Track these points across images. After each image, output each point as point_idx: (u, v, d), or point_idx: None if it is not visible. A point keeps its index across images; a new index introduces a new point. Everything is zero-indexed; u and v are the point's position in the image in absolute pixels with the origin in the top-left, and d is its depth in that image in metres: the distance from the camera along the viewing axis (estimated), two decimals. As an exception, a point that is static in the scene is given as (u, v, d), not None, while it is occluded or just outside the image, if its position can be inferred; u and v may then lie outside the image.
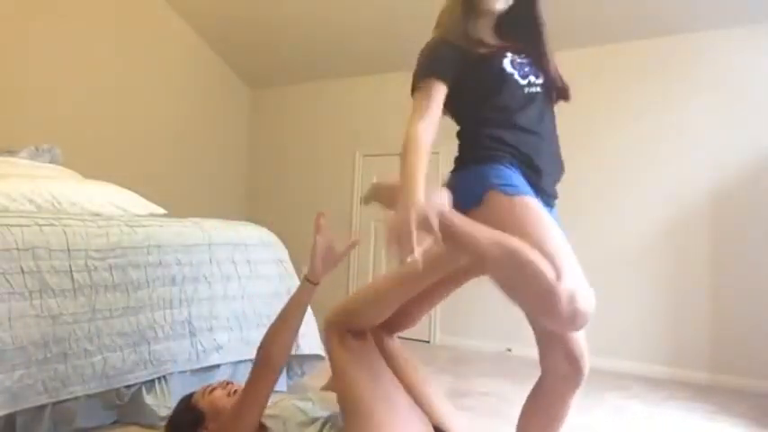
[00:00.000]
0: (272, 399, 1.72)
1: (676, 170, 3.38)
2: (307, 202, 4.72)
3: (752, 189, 3.18)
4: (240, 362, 2.36)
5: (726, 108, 3.28)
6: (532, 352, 3.97)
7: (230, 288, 2.39)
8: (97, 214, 2.30)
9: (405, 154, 1.39)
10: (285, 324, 1.68)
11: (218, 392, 1.74)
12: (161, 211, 2.75)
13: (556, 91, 1.59)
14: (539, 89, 1.52)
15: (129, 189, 2.72)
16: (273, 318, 2.52)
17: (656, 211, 3.42)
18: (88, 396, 1.92)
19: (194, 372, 2.24)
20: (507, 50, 1.51)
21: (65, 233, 1.92)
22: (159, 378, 2.12)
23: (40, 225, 1.88)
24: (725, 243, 3.23)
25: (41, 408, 1.80)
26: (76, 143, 3.65)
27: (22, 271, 1.78)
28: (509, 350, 3.73)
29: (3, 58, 3.46)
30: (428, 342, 3.85)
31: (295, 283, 2.71)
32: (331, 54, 4.45)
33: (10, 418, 1.73)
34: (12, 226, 1.81)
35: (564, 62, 3.82)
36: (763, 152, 3.17)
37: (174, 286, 2.21)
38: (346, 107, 4.71)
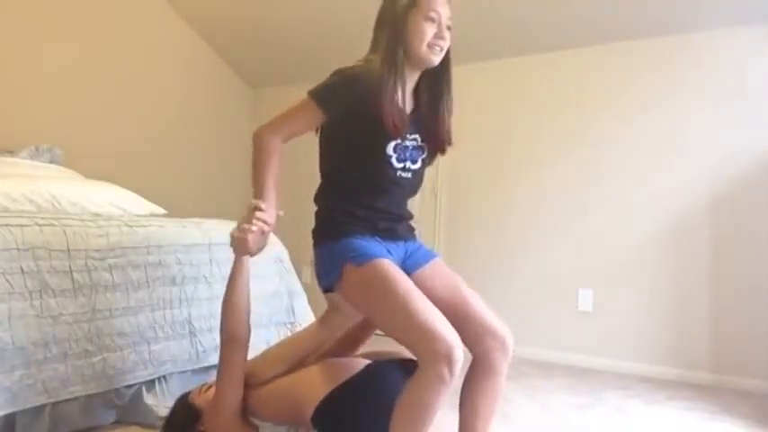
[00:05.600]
0: None
1: (676, 170, 3.38)
2: (307, 201, 4.70)
3: (753, 189, 3.18)
4: (240, 362, 2.36)
5: (726, 108, 3.27)
6: (532, 352, 3.97)
7: (230, 288, 2.39)
8: (97, 214, 2.29)
9: (256, 160, 1.62)
10: (238, 298, 1.66)
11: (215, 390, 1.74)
12: (161, 211, 2.75)
13: (438, 150, 1.68)
14: (410, 175, 1.59)
15: (129, 189, 2.72)
16: (273, 318, 2.53)
17: (657, 211, 3.42)
18: (88, 396, 1.91)
19: (194, 372, 2.24)
20: (399, 134, 1.53)
21: (65, 233, 1.92)
22: (159, 378, 2.12)
23: (40, 225, 1.88)
24: (726, 243, 3.23)
25: (41, 408, 1.80)
26: (77, 143, 3.65)
27: (22, 271, 1.78)
28: (509, 350, 3.74)
29: (2, 58, 3.46)
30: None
31: (295, 282, 2.71)
32: (332, 53, 4.43)
33: (10, 418, 1.73)
34: (12, 226, 1.81)
35: (564, 61, 3.85)
36: (763, 152, 3.17)
37: (174, 286, 2.21)
38: (346, 107, 4.71)
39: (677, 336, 3.31)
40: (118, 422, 2.05)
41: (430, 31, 1.51)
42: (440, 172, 4.17)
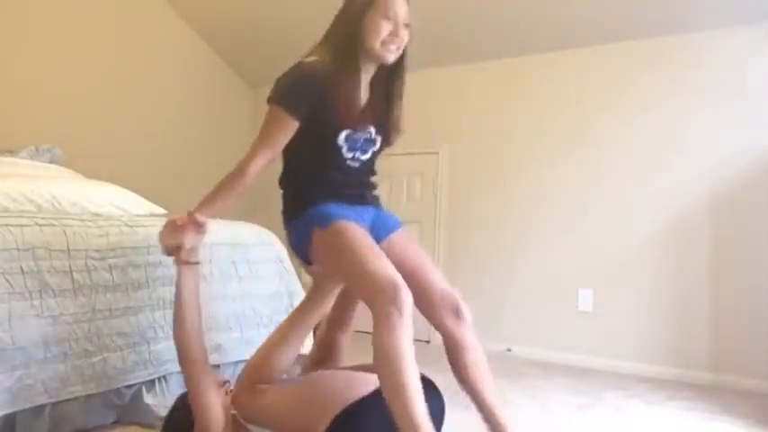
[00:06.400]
0: None
1: (677, 170, 3.38)
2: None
3: (753, 189, 3.18)
4: (240, 362, 2.36)
5: (726, 108, 3.27)
6: (532, 352, 3.97)
7: (230, 288, 2.39)
8: (97, 214, 2.29)
9: (229, 182, 1.64)
10: (189, 321, 1.70)
11: None
12: (161, 211, 2.74)
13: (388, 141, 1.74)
14: (357, 165, 1.66)
15: (130, 189, 2.71)
16: (274, 318, 2.53)
17: (657, 211, 3.42)
18: (88, 396, 1.91)
19: (194, 372, 2.24)
20: (352, 125, 1.60)
21: (65, 233, 1.92)
22: (159, 378, 2.12)
23: (40, 225, 1.88)
24: (726, 243, 3.23)
25: (41, 408, 1.80)
26: (77, 143, 3.65)
27: (22, 271, 1.78)
28: (509, 350, 3.73)
29: (2, 58, 3.46)
30: (428, 342, 3.85)
31: (295, 282, 2.71)
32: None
33: (10, 418, 1.73)
34: (12, 226, 1.81)
35: (564, 61, 3.85)
36: (763, 152, 3.17)
37: (173, 286, 2.20)
38: (346, 107, 4.71)
39: (677, 336, 3.31)
40: (118, 422, 2.05)
41: (386, 29, 1.56)
42: (440, 172, 4.17)
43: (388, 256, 1.49)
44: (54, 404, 1.82)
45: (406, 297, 1.36)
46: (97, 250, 1.98)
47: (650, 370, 3.34)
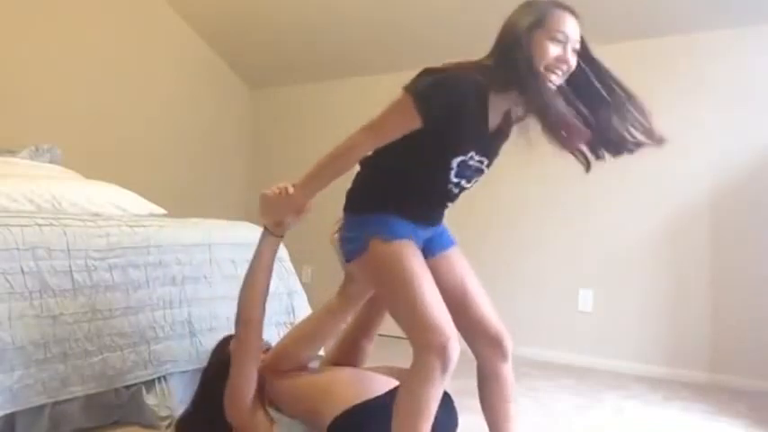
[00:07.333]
0: None
1: (677, 169, 3.38)
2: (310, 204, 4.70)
3: (752, 189, 3.18)
4: (240, 362, 2.36)
5: (727, 107, 3.27)
6: (532, 352, 3.97)
7: (230, 288, 2.38)
8: (97, 214, 2.29)
9: (332, 163, 1.49)
10: (257, 285, 1.72)
11: None
12: (161, 211, 2.75)
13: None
14: (456, 191, 1.55)
15: (130, 189, 2.72)
16: (273, 318, 2.53)
17: (656, 211, 3.42)
18: (88, 396, 1.91)
19: (194, 372, 2.24)
20: (473, 150, 1.48)
21: (65, 233, 1.92)
22: (159, 378, 2.12)
23: (40, 225, 1.88)
24: (725, 243, 3.23)
25: (41, 408, 1.80)
26: (77, 143, 3.65)
27: (22, 271, 1.78)
28: (509, 350, 3.74)
29: (2, 58, 3.46)
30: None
31: (295, 282, 2.71)
32: (332, 54, 4.45)
33: (9, 418, 1.73)
34: (12, 226, 1.81)
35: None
36: (763, 152, 3.17)
37: (173, 286, 2.21)
38: (347, 107, 4.71)
39: (677, 336, 3.31)
40: (118, 422, 2.05)
41: (553, 52, 1.40)
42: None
43: (433, 273, 1.45)
44: (54, 404, 1.82)
45: (454, 353, 1.31)
46: (97, 250, 1.98)
47: (650, 370, 3.34)
